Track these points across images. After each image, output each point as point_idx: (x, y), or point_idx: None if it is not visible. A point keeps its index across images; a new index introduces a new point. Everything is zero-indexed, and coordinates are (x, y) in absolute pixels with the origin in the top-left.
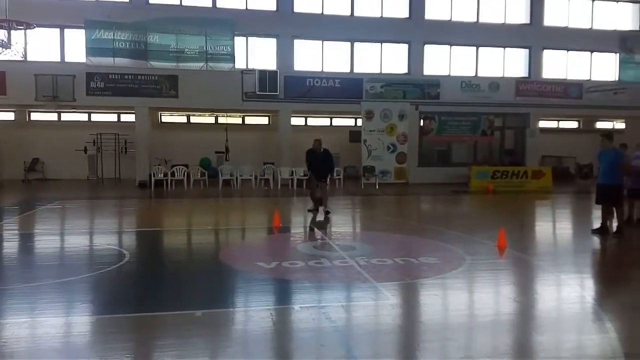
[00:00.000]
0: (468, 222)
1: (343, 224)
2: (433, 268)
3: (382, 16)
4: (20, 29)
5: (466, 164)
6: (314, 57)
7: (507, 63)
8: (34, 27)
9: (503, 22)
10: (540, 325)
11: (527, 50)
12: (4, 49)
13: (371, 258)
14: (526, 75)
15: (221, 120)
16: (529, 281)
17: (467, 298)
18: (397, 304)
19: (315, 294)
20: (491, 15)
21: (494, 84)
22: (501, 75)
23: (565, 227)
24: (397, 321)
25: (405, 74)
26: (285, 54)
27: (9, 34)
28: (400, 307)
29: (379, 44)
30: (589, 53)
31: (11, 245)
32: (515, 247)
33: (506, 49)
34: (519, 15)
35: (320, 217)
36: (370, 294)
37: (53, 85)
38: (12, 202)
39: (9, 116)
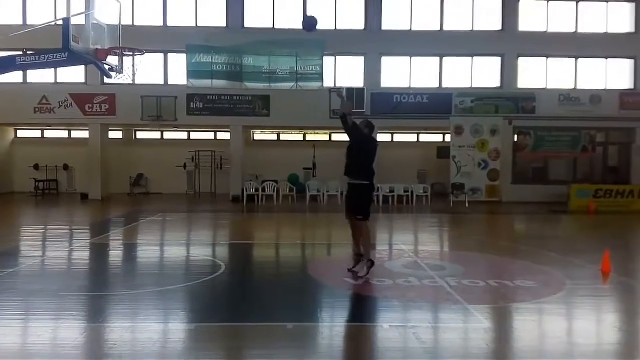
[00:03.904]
0: (568, 244)
1: (431, 242)
2: (530, 292)
3: (472, 29)
4: (129, 55)
5: (565, 181)
6: (401, 73)
7: (609, 74)
8: (144, 53)
9: (605, 31)
10: None
11: (632, 61)
12: (117, 74)
13: (462, 279)
14: (631, 87)
15: (309, 137)
16: (637, 309)
17: (567, 325)
18: (490, 328)
19: (404, 313)
20: (591, 25)
21: (596, 96)
22: (603, 88)
23: None
24: (491, 346)
25: (497, 87)
26: (372, 71)
27: (122, 60)
28: (494, 331)
29: (469, 57)
30: None
31: (117, 254)
32: (621, 272)
33: (608, 59)
34: (622, 23)
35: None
36: (462, 316)
37: (157, 105)
38: (118, 214)
39: (118, 134)
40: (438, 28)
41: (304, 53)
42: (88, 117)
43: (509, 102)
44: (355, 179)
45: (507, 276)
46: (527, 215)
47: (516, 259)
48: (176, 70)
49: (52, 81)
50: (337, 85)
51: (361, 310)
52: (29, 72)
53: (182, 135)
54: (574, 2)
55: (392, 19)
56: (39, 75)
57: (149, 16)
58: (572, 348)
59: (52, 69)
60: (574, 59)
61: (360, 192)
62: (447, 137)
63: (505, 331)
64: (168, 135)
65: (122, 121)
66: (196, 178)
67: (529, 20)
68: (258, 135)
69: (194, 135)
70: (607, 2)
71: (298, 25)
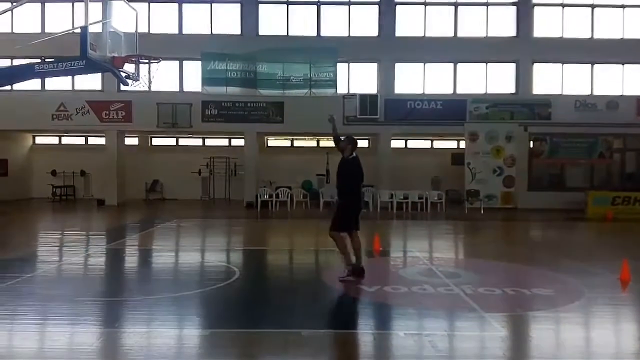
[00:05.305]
0: (586, 252)
1: (446, 249)
2: (547, 300)
3: (487, 36)
4: (146, 62)
5: (582, 188)
6: (415, 79)
7: (626, 80)
8: (160, 61)
9: (621, 36)
10: None
11: None
12: (133, 81)
13: (478, 286)
14: None
15: (322, 143)
16: None
17: (586, 334)
18: (507, 337)
19: (420, 321)
20: (607, 30)
21: (613, 102)
22: (620, 94)
23: None
24: (508, 354)
25: (512, 93)
26: (386, 77)
27: (138, 67)
28: (512, 340)
29: (484, 64)
30: None
31: (132, 260)
32: None
33: (625, 65)
34: (639, 28)
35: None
36: (478, 324)
37: (173, 113)
38: (134, 220)
39: (134, 141)
40: (452, 34)
41: (318, 60)
42: (105, 124)
43: (525, 108)
44: (339, 196)
45: (524, 284)
46: (544, 222)
47: (532, 267)
48: (191, 77)
49: (70, 89)
50: (350, 92)
51: (376, 318)
52: (47, 79)
53: (197, 141)
54: (590, 8)
55: (406, 26)
56: (57, 83)
57: (165, 24)
58: (591, 358)
59: (70, 77)
60: (590, 65)
61: (340, 208)
62: (462, 144)
63: (522, 340)
64: (183, 141)
65: (138, 128)
66: (211, 184)
67: (544, 26)
68: (272, 142)
69: (209, 141)
70: (623, 7)
71: (312, 32)
